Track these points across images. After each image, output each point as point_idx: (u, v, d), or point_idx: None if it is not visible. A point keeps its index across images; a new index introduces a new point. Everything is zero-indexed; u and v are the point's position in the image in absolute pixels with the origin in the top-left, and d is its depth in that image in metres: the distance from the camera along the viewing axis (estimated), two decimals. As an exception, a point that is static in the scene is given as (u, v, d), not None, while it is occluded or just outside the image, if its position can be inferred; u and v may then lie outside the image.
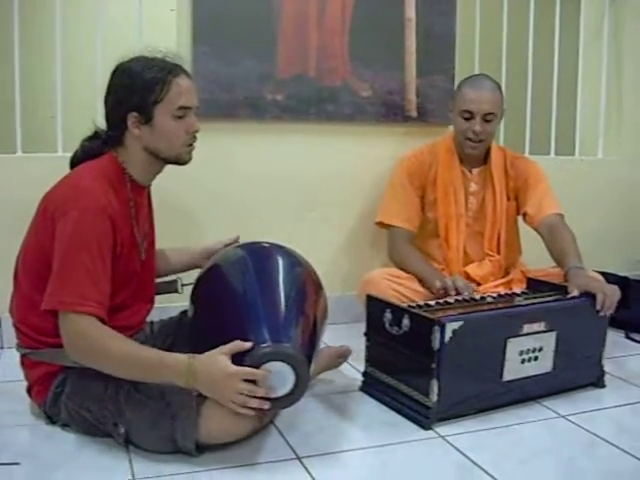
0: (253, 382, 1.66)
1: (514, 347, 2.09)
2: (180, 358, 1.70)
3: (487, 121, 2.59)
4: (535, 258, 2.70)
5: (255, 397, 1.66)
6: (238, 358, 1.67)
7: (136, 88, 1.84)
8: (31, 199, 1.91)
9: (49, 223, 1.80)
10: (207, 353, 1.69)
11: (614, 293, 2.24)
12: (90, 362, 1.77)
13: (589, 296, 2.23)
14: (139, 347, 1.76)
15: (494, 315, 2.12)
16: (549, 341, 2.16)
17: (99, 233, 1.77)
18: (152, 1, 2.73)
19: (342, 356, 2.39)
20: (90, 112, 2.67)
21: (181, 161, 1.95)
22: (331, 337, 2.35)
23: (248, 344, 1.67)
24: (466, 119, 2.61)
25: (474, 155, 2.69)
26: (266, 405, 1.68)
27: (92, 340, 1.73)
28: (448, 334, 1.95)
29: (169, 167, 2.00)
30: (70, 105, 2.73)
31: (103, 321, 1.75)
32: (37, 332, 1.88)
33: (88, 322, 1.72)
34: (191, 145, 1.94)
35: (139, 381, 1.76)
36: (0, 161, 2.61)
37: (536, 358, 2.14)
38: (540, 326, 2.13)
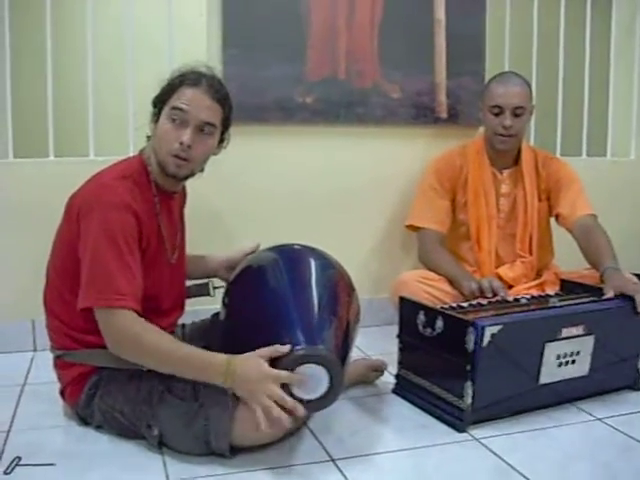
0: (286, 388, 1.66)
1: (552, 351, 2.05)
2: (219, 357, 1.70)
3: (517, 115, 2.58)
4: (568, 260, 2.66)
5: (281, 408, 1.65)
6: (273, 361, 1.67)
7: (162, 87, 1.91)
8: (63, 202, 1.92)
9: (74, 223, 1.83)
10: (245, 354, 1.69)
11: None
12: (130, 356, 1.77)
13: (625, 298, 2.20)
14: (179, 343, 1.78)
15: (533, 319, 2.08)
16: (587, 345, 2.12)
17: (124, 227, 1.78)
18: (182, 5, 2.75)
19: (378, 370, 2.37)
20: (121, 115, 2.71)
21: (166, 169, 1.89)
22: (362, 340, 2.34)
23: (286, 347, 1.67)
24: (496, 114, 2.59)
25: (505, 151, 2.66)
26: (299, 411, 1.67)
27: (131, 334, 1.73)
28: (487, 338, 1.92)
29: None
30: (101, 109, 2.74)
31: (139, 314, 1.76)
32: (70, 328, 1.90)
33: (125, 316, 1.73)
34: (177, 157, 1.86)
35: (175, 377, 1.76)
36: (33, 165, 2.64)
37: (573, 362, 2.11)
38: (579, 330, 2.09)
